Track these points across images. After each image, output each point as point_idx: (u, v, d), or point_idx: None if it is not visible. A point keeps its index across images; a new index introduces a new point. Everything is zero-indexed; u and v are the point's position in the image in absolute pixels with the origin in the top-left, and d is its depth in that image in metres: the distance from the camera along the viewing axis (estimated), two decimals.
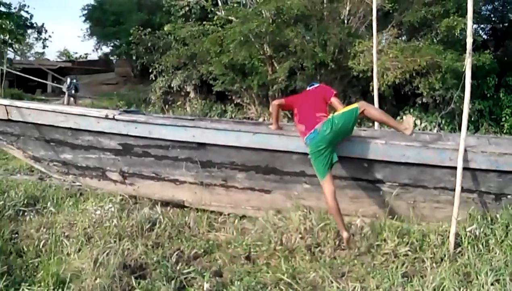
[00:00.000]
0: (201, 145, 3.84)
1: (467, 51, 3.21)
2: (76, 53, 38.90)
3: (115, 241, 3.19)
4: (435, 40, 10.45)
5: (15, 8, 18.75)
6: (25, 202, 4.14)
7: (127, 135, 3.99)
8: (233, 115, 12.84)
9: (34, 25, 20.57)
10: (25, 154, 4.62)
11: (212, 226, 3.82)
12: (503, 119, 11.27)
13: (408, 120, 3.66)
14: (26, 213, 3.95)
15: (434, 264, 2.98)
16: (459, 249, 3.17)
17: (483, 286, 2.66)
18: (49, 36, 26.60)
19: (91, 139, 4.16)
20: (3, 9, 17.55)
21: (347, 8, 11.02)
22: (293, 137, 3.69)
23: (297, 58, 10.81)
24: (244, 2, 13.00)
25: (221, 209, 4.09)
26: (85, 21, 23.72)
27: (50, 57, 35.16)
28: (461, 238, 3.22)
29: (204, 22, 12.81)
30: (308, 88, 4.25)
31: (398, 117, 11.06)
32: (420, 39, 10.80)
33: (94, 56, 30.12)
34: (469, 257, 3.02)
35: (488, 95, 11.21)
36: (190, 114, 13.30)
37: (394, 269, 2.89)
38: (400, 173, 3.54)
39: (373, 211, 3.66)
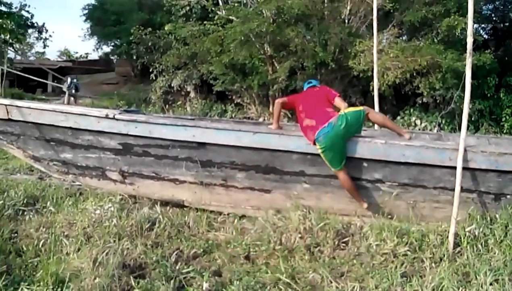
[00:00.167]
0: (201, 145, 3.84)
1: (468, 51, 3.21)
2: (77, 52, 39.17)
3: (114, 241, 3.19)
4: (435, 40, 10.43)
5: (16, 7, 18.79)
6: (24, 201, 4.14)
7: (127, 135, 3.99)
8: (233, 115, 12.86)
9: (35, 24, 20.61)
10: (25, 153, 4.62)
11: (211, 225, 3.82)
12: (503, 119, 11.27)
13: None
14: (25, 213, 3.95)
15: (433, 264, 2.97)
16: (458, 249, 3.17)
17: (482, 286, 2.66)
18: (50, 35, 26.87)
19: (91, 139, 4.16)
20: (4, 8, 17.55)
21: (348, 8, 11.01)
22: (293, 137, 3.69)
23: (297, 58, 10.82)
24: (244, 1, 12.98)
25: (220, 208, 4.09)
26: (85, 20, 23.71)
27: (50, 56, 35.34)
28: (461, 238, 3.21)
29: (205, 22, 12.79)
30: (306, 87, 4.26)
31: (398, 117, 11.10)
32: (420, 38, 10.79)
33: (94, 56, 30.27)
34: (468, 257, 3.01)
35: (489, 95, 11.21)
36: (190, 114, 13.31)
37: (393, 269, 2.88)
38: (399, 173, 3.53)
39: (372, 211, 3.66)
